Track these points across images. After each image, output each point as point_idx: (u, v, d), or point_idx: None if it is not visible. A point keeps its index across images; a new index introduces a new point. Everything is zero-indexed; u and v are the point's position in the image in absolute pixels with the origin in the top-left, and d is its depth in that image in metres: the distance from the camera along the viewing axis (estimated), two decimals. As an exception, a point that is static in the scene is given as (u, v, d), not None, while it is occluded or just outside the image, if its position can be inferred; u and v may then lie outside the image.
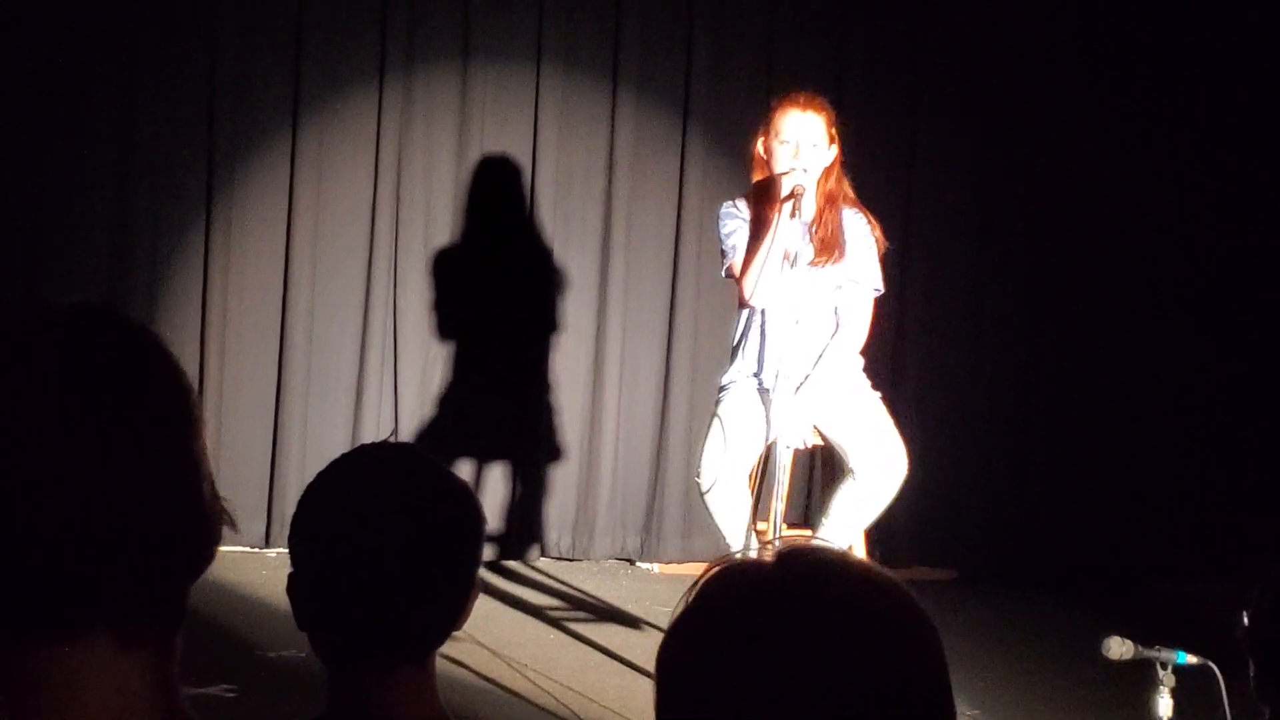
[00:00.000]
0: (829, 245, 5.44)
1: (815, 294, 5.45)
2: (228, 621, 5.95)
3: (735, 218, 5.55)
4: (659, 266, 7.71)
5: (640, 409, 7.72)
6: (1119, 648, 3.87)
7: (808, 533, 5.67)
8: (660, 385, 7.72)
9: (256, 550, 7.17)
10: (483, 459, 7.46)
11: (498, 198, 7.57)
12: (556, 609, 6.81)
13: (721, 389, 5.60)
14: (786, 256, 5.30)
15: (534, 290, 7.60)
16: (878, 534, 5.79)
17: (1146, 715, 3.86)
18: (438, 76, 7.49)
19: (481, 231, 7.57)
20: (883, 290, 5.62)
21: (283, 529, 6.92)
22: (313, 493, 2.14)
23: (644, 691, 5.53)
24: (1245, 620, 2.53)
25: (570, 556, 7.63)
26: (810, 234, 5.43)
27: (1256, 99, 8.14)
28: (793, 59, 7.67)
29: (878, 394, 5.60)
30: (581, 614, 6.76)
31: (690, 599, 1.42)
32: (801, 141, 5.41)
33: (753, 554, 1.43)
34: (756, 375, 5.49)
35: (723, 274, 5.65)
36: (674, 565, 7.67)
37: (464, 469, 7.39)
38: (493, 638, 5.99)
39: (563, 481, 7.62)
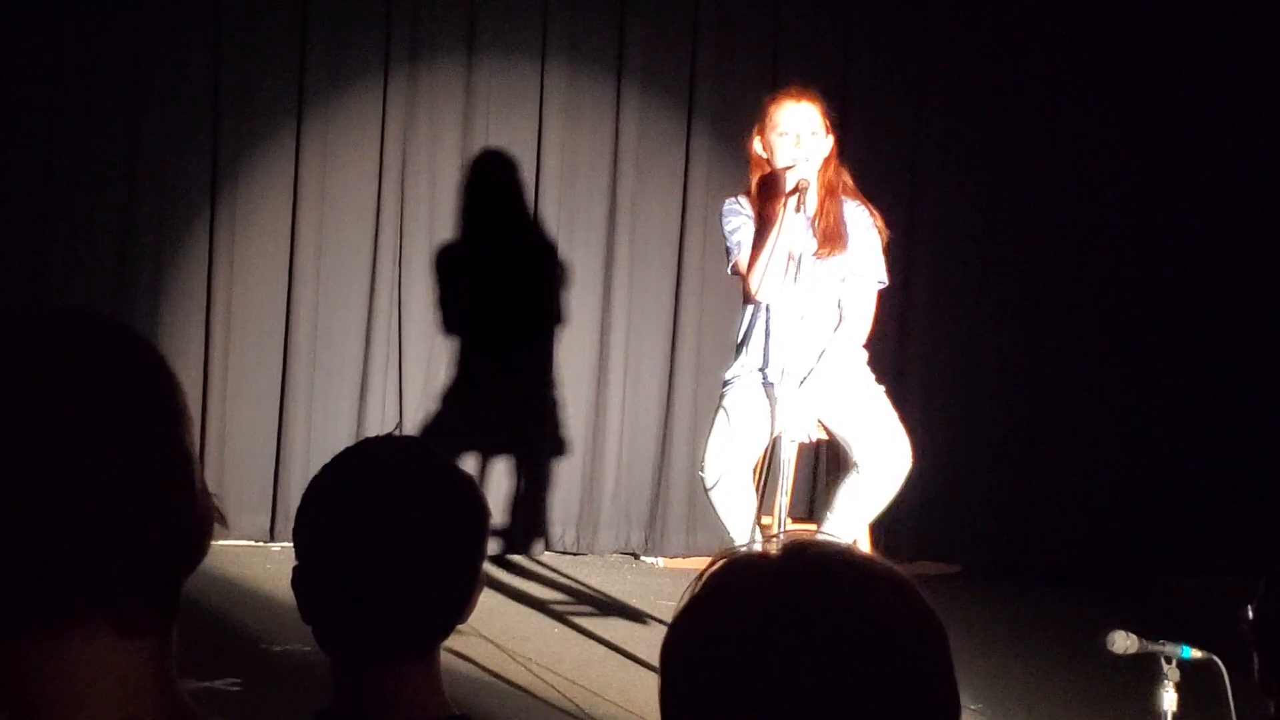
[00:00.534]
0: (831, 236, 5.44)
1: (819, 287, 5.45)
2: (231, 615, 5.95)
3: (739, 214, 5.55)
4: (663, 261, 7.70)
5: (645, 403, 7.72)
6: (1123, 642, 3.87)
7: (813, 527, 5.67)
8: (665, 379, 7.72)
9: (260, 544, 7.18)
10: (487, 453, 7.46)
11: (502, 193, 7.57)
12: (561, 603, 6.81)
13: (726, 383, 5.60)
14: (792, 256, 5.29)
15: (538, 285, 7.60)
16: (882, 528, 5.78)
17: (1151, 709, 3.85)
18: (442, 71, 7.48)
19: (486, 226, 7.57)
20: (886, 282, 5.61)
21: (287, 523, 6.92)
22: (317, 486, 2.14)
23: (648, 686, 5.56)
24: (1250, 614, 2.53)
25: (575, 551, 7.63)
26: (812, 226, 5.43)
27: (1265, 96, 8.12)
28: (798, 53, 7.66)
29: (882, 387, 5.59)
30: (586, 608, 6.76)
31: (695, 592, 1.42)
32: (801, 131, 5.41)
33: (757, 547, 1.43)
34: (761, 370, 5.49)
35: (728, 270, 5.64)
36: (678, 559, 7.66)
37: (468, 463, 7.39)
38: (497, 631, 5.99)
39: (567, 475, 7.62)
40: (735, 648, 1.35)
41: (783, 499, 5.23)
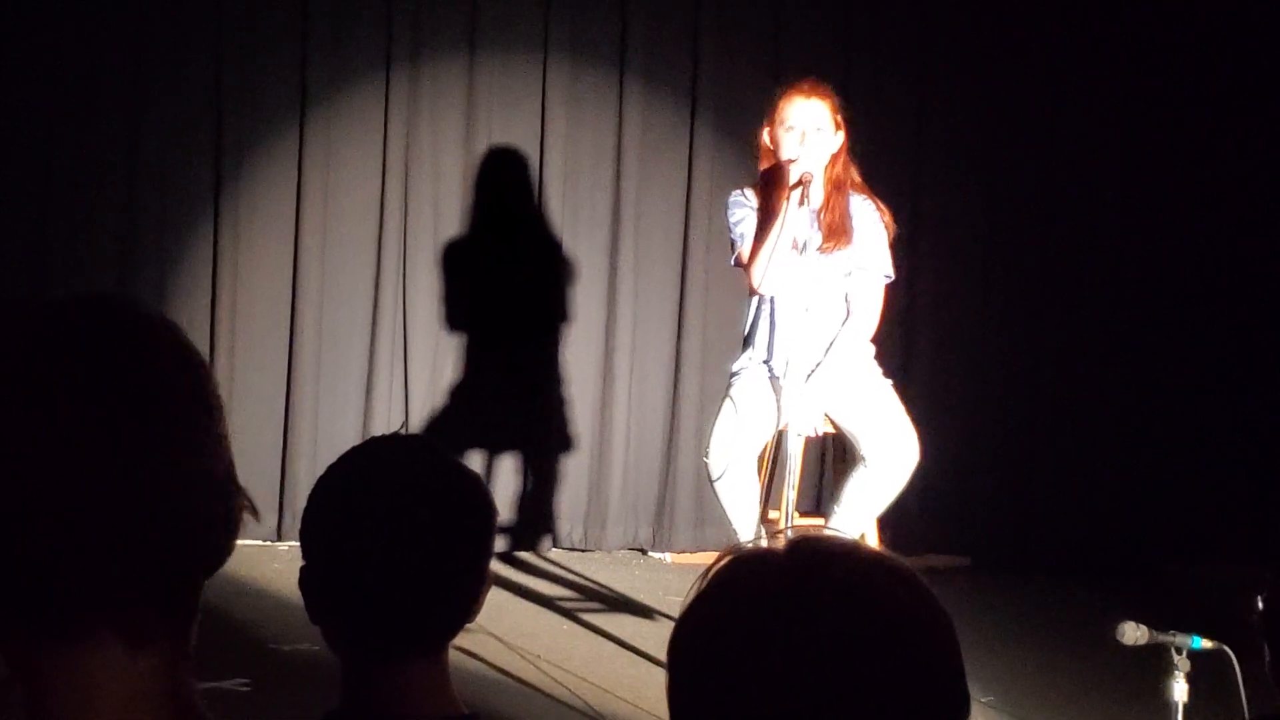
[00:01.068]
0: (837, 231, 5.44)
1: (825, 281, 5.44)
2: (240, 615, 5.94)
3: (743, 206, 5.55)
4: (668, 256, 7.70)
5: (651, 398, 7.71)
6: (1133, 633, 3.87)
7: (820, 521, 5.67)
8: (671, 374, 7.71)
9: (268, 543, 7.17)
10: (494, 450, 7.46)
11: (506, 189, 7.56)
12: (569, 599, 6.80)
13: (733, 374, 5.60)
14: (795, 245, 5.29)
15: (543, 281, 7.59)
16: (889, 521, 5.78)
17: (1161, 700, 3.85)
18: (444, 68, 7.48)
19: (490, 223, 7.56)
20: (893, 277, 5.61)
21: (294, 522, 6.90)
22: (324, 486, 2.14)
23: (657, 682, 5.51)
24: (1260, 604, 2.53)
25: (582, 547, 7.63)
26: (818, 220, 5.42)
27: (1266, 95, 8.10)
28: (800, 47, 7.65)
29: (889, 381, 5.59)
30: (594, 604, 6.76)
31: (701, 588, 1.42)
32: (807, 127, 5.41)
33: (763, 543, 1.43)
34: (767, 363, 5.48)
35: (731, 263, 5.64)
36: (686, 555, 7.66)
37: (475, 460, 7.39)
38: (505, 628, 5.98)
39: (574, 472, 7.62)
40: (742, 643, 1.35)
41: (789, 493, 5.23)
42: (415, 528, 2.08)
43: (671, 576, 7.32)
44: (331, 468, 2.15)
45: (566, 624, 6.43)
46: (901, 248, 5.92)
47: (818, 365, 5.42)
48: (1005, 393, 8.01)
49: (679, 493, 7.68)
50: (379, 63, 7.39)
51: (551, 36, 7.52)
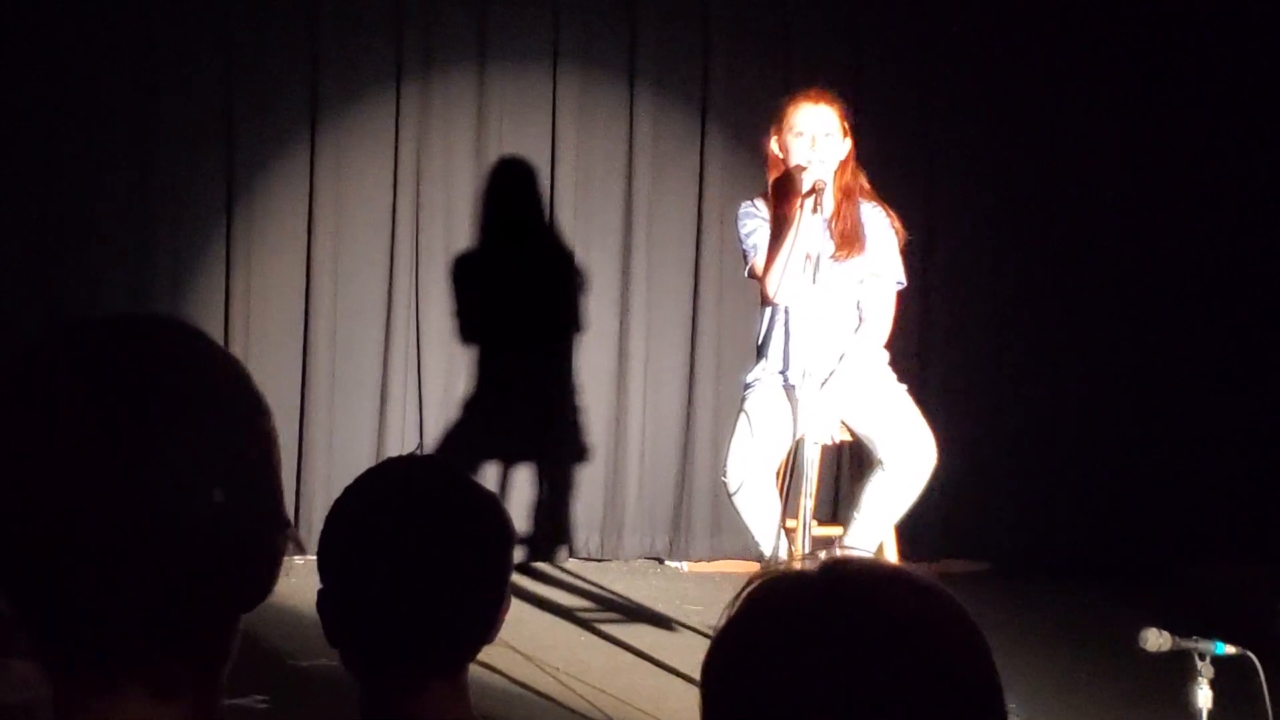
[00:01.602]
0: (849, 238, 5.42)
1: (838, 289, 5.42)
2: (257, 630, 5.91)
3: (754, 217, 5.53)
4: (681, 264, 7.68)
5: (665, 407, 7.69)
6: (1156, 639, 3.85)
7: (838, 529, 5.64)
8: (685, 383, 7.69)
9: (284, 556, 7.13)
10: (509, 461, 7.44)
11: (517, 199, 7.55)
12: (587, 610, 6.78)
13: (747, 386, 5.58)
14: (809, 257, 5.26)
15: (556, 291, 7.58)
16: (907, 527, 5.75)
17: (1186, 707, 3.82)
18: (455, 79, 7.46)
19: (502, 233, 7.55)
20: (905, 283, 5.59)
21: (310, 535, 6.85)
22: (340, 508, 2.12)
23: (677, 692, 5.55)
24: (1283, 610, 2.51)
25: (599, 557, 7.61)
26: (830, 228, 5.40)
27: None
28: (810, 53, 7.63)
29: (903, 386, 5.57)
30: (612, 614, 6.74)
31: (735, 610, 1.40)
32: (816, 133, 5.39)
33: (795, 564, 1.42)
34: (782, 373, 5.46)
35: (745, 274, 5.62)
36: (703, 563, 7.64)
37: (490, 471, 7.37)
38: (524, 641, 5.96)
39: (590, 482, 7.60)
40: (777, 666, 1.34)
41: (807, 502, 5.21)
42: (433, 550, 2.06)
43: (689, 585, 7.30)
44: (348, 490, 2.13)
45: (584, 635, 6.41)
46: (915, 252, 5.89)
47: (832, 373, 5.40)
48: (1021, 396, 7.98)
49: (695, 501, 7.66)
50: (390, 74, 7.38)
51: (561, 46, 7.50)
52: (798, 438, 5.29)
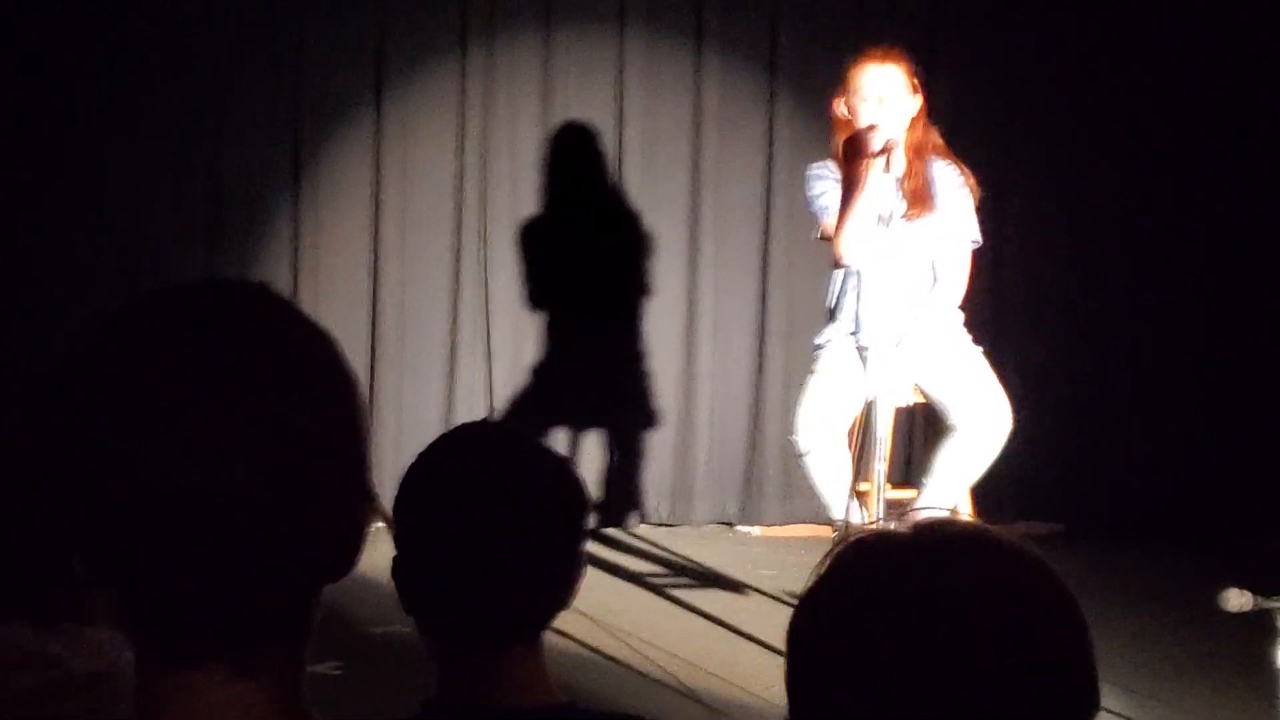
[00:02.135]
0: (920, 197, 5.35)
1: (911, 249, 5.36)
2: (330, 597, 5.90)
3: (825, 178, 5.47)
4: (750, 227, 7.63)
5: (735, 371, 7.66)
6: (1237, 599, 3.78)
7: (912, 492, 5.59)
8: (754, 347, 7.65)
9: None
10: (578, 427, 7.43)
11: (584, 163, 7.52)
12: (657, 575, 6.77)
13: (817, 348, 5.52)
14: (881, 218, 5.21)
15: (624, 255, 7.55)
16: (980, 489, 5.69)
17: (1267, 668, 3.76)
18: (520, 43, 7.44)
19: (569, 198, 7.52)
20: (980, 242, 5.52)
21: (381, 502, 6.91)
22: (414, 475, 2.10)
23: (748, 657, 5.52)
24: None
25: (669, 522, 7.59)
26: (901, 188, 5.34)
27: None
28: (883, 12, 7.55)
29: (978, 348, 5.51)
30: (683, 579, 6.72)
31: (822, 572, 1.37)
32: (883, 94, 5.32)
33: (885, 526, 1.39)
34: (854, 334, 5.41)
35: (816, 236, 5.57)
36: (774, 527, 7.61)
37: (559, 437, 7.37)
38: (594, 606, 5.94)
39: (659, 447, 7.58)
40: (866, 629, 1.31)
41: (880, 465, 5.16)
42: (509, 515, 2.04)
43: (760, 550, 7.27)
44: (422, 456, 2.11)
45: (655, 600, 6.39)
46: (988, 211, 5.83)
47: (906, 335, 5.34)
48: (1097, 355, 7.91)
49: (766, 465, 7.63)
50: (455, 38, 7.36)
51: (628, 8, 7.47)
52: (869, 400, 5.24)
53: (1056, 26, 7.83)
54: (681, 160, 7.57)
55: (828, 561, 1.38)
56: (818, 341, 5.54)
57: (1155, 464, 7.86)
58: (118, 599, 1.28)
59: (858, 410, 5.37)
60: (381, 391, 7.29)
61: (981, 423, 5.33)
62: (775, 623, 5.85)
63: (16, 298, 6.91)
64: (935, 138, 5.47)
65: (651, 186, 7.56)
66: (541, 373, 7.46)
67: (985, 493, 5.79)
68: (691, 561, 7.01)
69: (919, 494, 5.49)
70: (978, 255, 5.58)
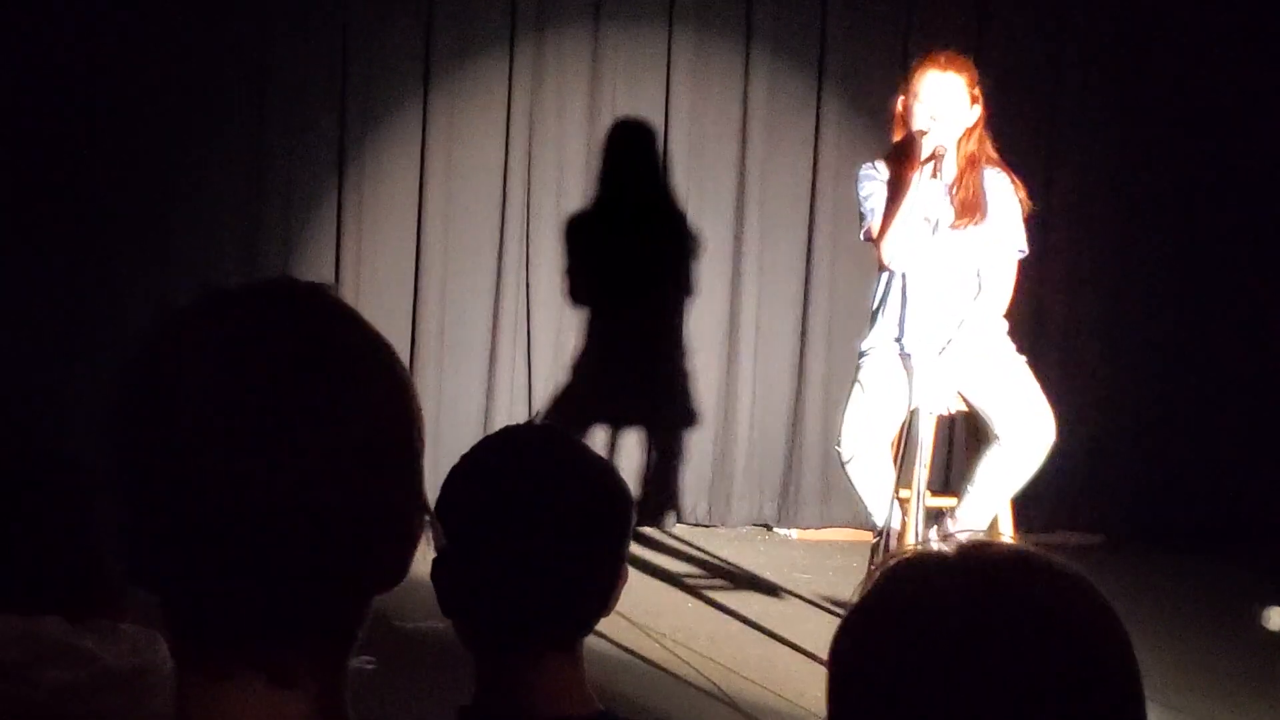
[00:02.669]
0: (970, 207, 5.33)
1: (957, 256, 5.33)
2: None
3: (873, 179, 5.45)
4: (794, 229, 7.61)
5: (776, 373, 7.64)
6: (1279, 618, 3.76)
7: (952, 501, 5.56)
8: (796, 349, 7.63)
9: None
10: (617, 425, 7.42)
11: (630, 160, 7.50)
12: (694, 576, 6.75)
13: (862, 355, 5.50)
14: (928, 222, 5.19)
15: (667, 253, 7.53)
16: (1020, 499, 5.66)
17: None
18: (569, 38, 7.42)
19: (614, 195, 7.50)
20: (1027, 252, 5.49)
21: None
22: (457, 476, 2.07)
23: (784, 661, 5.50)
24: None
25: (707, 523, 7.57)
26: (951, 196, 5.31)
27: None
28: (932, 15, 7.51)
29: (1023, 357, 5.47)
30: (719, 581, 6.70)
31: (868, 589, 1.36)
32: (939, 102, 5.29)
33: (932, 545, 1.38)
34: (898, 340, 5.38)
35: (861, 237, 5.55)
36: (812, 531, 7.59)
37: (598, 435, 7.35)
38: (630, 606, 5.92)
39: (699, 447, 7.56)
40: (912, 647, 1.30)
41: (921, 472, 5.15)
42: (553, 520, 2.02)
43: (797, 553, 7.25)
44: (465, 457, 2.09)
45: (692, 602, 6.38)
46: (1034, 221, 5.79)
47: (949, 342, 5.32)
48: (1140, 365, 7.86)
49: (805, 468, 7.61)
50: (503, 33, 7.35)
51: (677, 6, 7.44)
52: (912, 408, 5.22)
53: (1105, 27, 7.78)
54: (727, 160, 7.55)
55: (872, 581, 1.37)
56: (862, 348, 5.52)
57: (1196, 476, 7.82)
58: (161, 603, 1.27)
59: (901, 418, 5.35)
60: (421, 385, 7.28)
61: (1025, 434, 5.30)
62: (811, 627, 5.87)
63: (60, 299, 6.92)
64: (990, 149, 5.43)
65: (697, 186, 7.54)
66: (582, 370, 7.44)
67: (1025, 502, 5.75)
68: (728, 563, 7.00)
69: (960, 501, 5.46)
70: (1023, 265, 5.55)
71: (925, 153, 5.19)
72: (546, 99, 7.40)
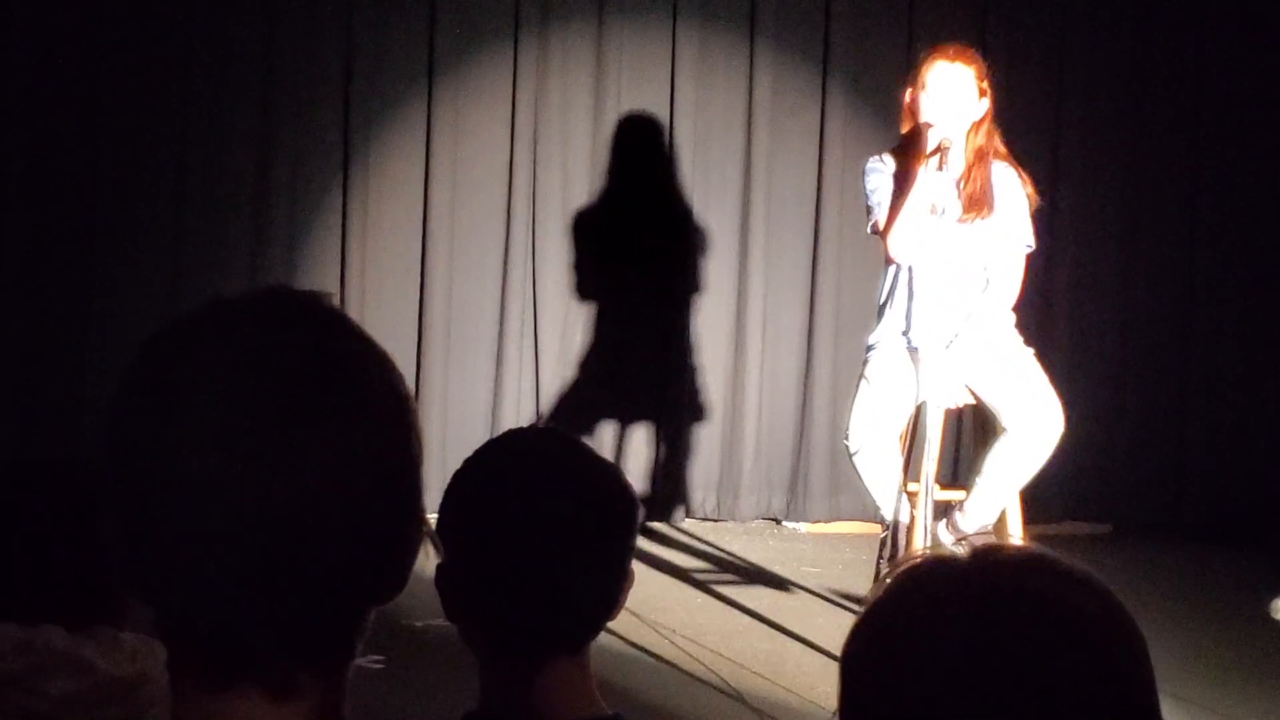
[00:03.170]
0: (977, 201, 5.30)
1: (965, 250, 5.31)
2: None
3: (880, 173, 5.42)
4: (801, 223, 7.59)
5: (783, 367, 7.62)
6: (1289, 610, 3.74)
7: (961, 493, 5.55)
8: (804, 343, 7.61)
9: (400, 515, 7.14)
10: (625, 420, 7.40)
11: (635, 155, 7.49)
12: (703, 571, 6.74)
13: (869, 348, 5.48)
14: (934, 210, 5.17)
15: (674, 249, 7.52)
16: (1029, 489, 5.64)
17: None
18: (573, 33, 7.40)
19: (619, 190, 7.49)
20: (1034, 246, 5.47)
21: (425, 493, 6.89)
22: (460, 480, 2.06)
23: (794, 656, 5.49)
24: None
25: (716, 517, 7.56)
26: (959, 189, 5.29)
27: None
28: (934, 8, 7.49)
29: (1030, 350, 5.46)
30: (729, 576, 6.69)
31: (880, 594, 1.35)
32: (947, 93, 5.26)
33: (945, 550, 1.36)
34: (905, 334, 5.36)
35: (868, 230, 5.53)
36: (821, 524, 7.58)
37: (606, 430, 7.35)
38: (639, 602, 5.90)
39: (707, 442, 7.55)
40: (924, 653, 1.29)
41: (929, 466, 5.14)
42: (559, 524, 2.00)
43: (806, 547, 7.24)
44: (469, 461, 2.08)
45: (701, 597, 6.36)
46: (1042, 214, 5.77)
47: (957, 335, 5.30)
48: (1147, 357, 7.84)
49: (813, 462, 7.59)
50: (507, 29, 7.34)
51: (681, 1, 7.42)
52: (920, 402, 5.21)
53: (1108, 23, 7.75)
54: (733, 155, 7.53)
55: (885, 583, 1.35)
56: (870, 342, 5.50)
57: (1204, 465, 7.81)
58: (157, 615, 1.26)
59: (909, 412, 5.33)
60: (428, 383, 7.28)
61: (1033, 426, 5.28)
62: (820, 622, 5.85)
63: (63, 306, 6.91)
64: (998, 143, 5.41)
65: (703, 181, 7.53)
66: (589, 366, 7.43)
67: (1033, 493, 5.74)
68: (737, 557, 6.98)
69: (968, 494, 5.45)
70: (1031, 258, 5.53)
71: (932, 145, 5.17)
72: (551, 95, 7.38)
